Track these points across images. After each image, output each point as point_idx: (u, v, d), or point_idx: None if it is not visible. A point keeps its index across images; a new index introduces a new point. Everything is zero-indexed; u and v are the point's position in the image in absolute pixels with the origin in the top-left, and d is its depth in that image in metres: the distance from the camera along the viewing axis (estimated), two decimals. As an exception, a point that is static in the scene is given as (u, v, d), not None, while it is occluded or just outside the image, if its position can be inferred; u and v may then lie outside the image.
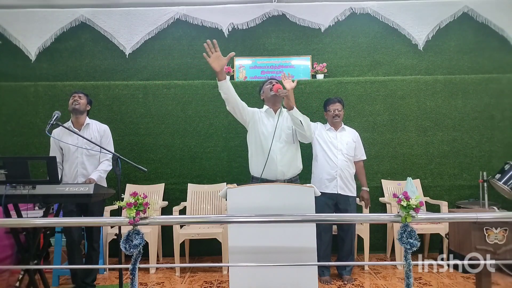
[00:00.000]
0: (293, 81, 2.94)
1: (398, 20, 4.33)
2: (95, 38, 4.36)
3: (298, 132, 2.82)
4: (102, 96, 4.13)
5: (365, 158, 3.47)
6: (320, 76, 4.24)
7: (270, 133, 2.81)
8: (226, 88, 2.73)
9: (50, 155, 3.06)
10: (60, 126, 2.78)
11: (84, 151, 3.00)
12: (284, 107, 2.89)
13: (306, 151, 3.54)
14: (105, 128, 3.18)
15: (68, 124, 3.03)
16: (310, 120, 3.39)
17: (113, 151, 2.98)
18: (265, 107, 2.98)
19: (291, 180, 2.84)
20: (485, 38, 4.35)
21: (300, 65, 4.36)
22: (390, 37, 4.38)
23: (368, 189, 3.44)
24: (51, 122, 2.73)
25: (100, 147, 2.89)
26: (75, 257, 2.94)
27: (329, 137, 3.32)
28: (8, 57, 4.32)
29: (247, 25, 4.35)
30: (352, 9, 4.35)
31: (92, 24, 4.33)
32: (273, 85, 2.85)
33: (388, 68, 4.36)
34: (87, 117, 3.12)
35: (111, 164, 3.11)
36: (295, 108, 2.74)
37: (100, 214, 3.09)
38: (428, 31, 4.31)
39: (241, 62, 4.36)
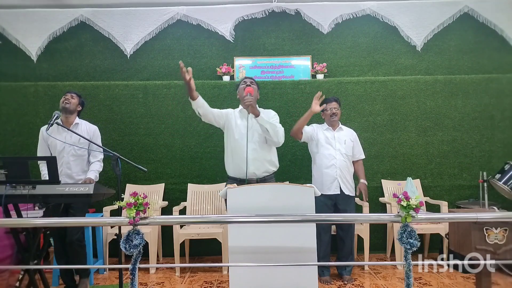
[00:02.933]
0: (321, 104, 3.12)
1: (398, 20, 4.33)
2: (95, 38, 4.35)
3: (266, 137, 2.87)
4: (102, 96, 4.13)
5: (364, 157, 3.46)
6: (320, 76, 4.24)
7: (243, 134, 2.86)
8: (201, 104, 2.84)
9: (37, 151, 3.07)
10: (51, 124, 2.76)
11: (71, 151, 2.97)
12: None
13: (306, 151, 3.54)
14: (94, 128, 3.15)
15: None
16: (309, 120, 3.40)
17: (102, 152, 2.96)
18: (240, 107, 3.02)
19: (264, 179, 2.88)
20: (485, 38, 4.35)
21: (300, 65, 4.36)
22: (390, 37, 4.38)
23: (366, 183, 3.37)
24: (51, 122, 2.73)
25: (93, 143, 2.89)
26: (61, 258, 2.95)
27: (326, 137, 3.31)
28: (8, 57, 4.32)
29: (247, 25, 4.35)
30: (352, 9, 4.34)
31: (92, 24, 4.32)
32: (247, 86, 2.88)
33: (388, 68, 4.36)
34: (77, 117, 3.09)
35: (102, 164, 3.12)
36: (260, 115, 2.78)
37: (82, 215, 2.95)
38: (428, 31, 4.31)
39: (241, 62, 4.36)
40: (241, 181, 2.84)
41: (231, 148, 2.95)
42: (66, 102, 3.00)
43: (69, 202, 2.76)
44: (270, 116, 2.96)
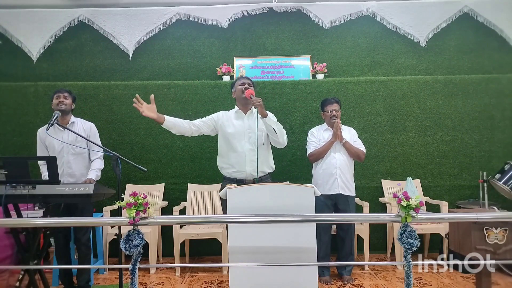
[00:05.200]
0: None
1: (398, 20, 4.33)
2: (95, 38, 4.35)
3: (271, 138, 2.84)
4: (102, 96, 4.13)
5: (364, 149, 3.37)
6: (320, 76, 4.24)
7: (239, 134, 2.84)
8: (172, 125, 2.83)
9: (37, 154, 3.05)
10: (47, 124, 2.74)
11: (70, 150, 2.94)
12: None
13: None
14: (90, 125, 3.11)
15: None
16: (309, 120, 3.40)
17: (101, 148, 2.94)
18: (236, 108, 2.97)
19: (260, 180, 2.85)
20: (485, 38, 4.35)
21: (300, 65, 4.36)
22: (390, 37, 4.38)
23: (345, 140, 3.25)
24: (51, 122, 2.73)
25: (92, 142, 2.87)
26: (61, 258, 2.93)
27: (326, 137, 3.30)
28: (8, 57, 4.32)
29: (247, 25, 4.36)
30: (352, 9, 4.34)
31: (92, 24, 4.32)
32: (245, 88, 2.84)
33: (388, 68, 4.36)
34: (72, 116, 3.06)
35: (103, 161, 3.10)
36: (269, 115, 2.75)
37: (89, 215, 3.00)
38: (428, 31, 4.31)
39: (241, 62, 4.36)
40: (237, 182, 2.81)
41: (227, 149, 2.91)
42: (61, 105, 2.93)
43: (70, 202, 2.75)
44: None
